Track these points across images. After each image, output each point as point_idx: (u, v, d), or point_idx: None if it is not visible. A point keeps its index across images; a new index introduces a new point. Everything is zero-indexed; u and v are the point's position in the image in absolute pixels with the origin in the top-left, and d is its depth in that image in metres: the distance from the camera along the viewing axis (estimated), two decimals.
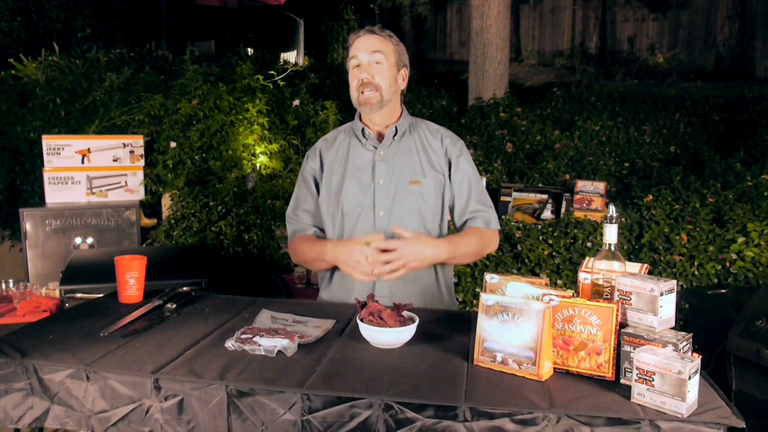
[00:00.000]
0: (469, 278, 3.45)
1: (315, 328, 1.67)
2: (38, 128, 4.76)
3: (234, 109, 4.57)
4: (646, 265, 1.49)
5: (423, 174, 1.92)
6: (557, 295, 1.37)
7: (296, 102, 5.00)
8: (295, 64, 7.97)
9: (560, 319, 1.36)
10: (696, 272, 3.12)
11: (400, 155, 1.92)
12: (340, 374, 1.37)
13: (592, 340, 1.32)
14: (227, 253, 3.94)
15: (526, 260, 3.44)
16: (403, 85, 1.95)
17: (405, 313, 1.61)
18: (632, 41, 10.49)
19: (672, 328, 1.30)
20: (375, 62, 1.86)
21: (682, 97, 6.31)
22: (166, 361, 1.44)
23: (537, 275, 3.43)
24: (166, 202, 4.35)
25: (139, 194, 4.24)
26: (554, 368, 1.36)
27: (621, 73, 9.34)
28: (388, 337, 1.52)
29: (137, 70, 5.31)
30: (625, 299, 1.32)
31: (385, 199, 1.89)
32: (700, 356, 1.22)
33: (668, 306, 1.28)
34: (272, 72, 4.87)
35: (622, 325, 1.32)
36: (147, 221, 4.71)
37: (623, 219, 3.53)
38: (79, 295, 2.91)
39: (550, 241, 3.48)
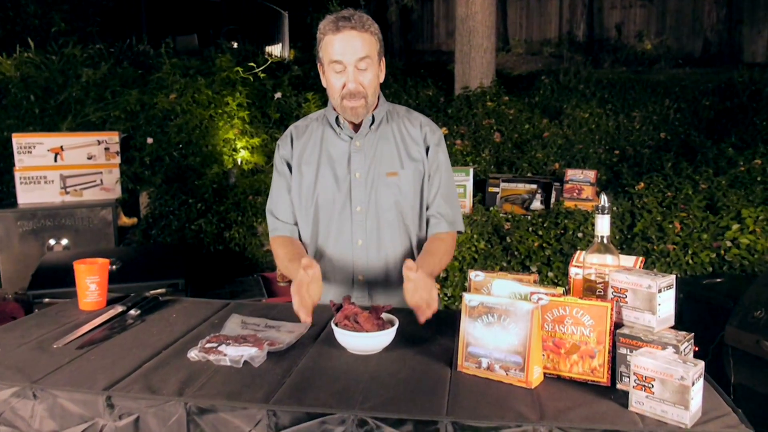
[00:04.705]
0: (457, 273, 3.34)
1: (288, 333, 1.55)
2: (12, 127, 4.60)
3: (213, 103, 4.43)
4: (641, 258, 1.38)
5: (401, 165, 1.78)
6: (546, 294, 1.26)
7: (278, 95, 4.87)
8: (280, 57, 7.81)
9: (550, 319, 1.25)
10: (690, 261, 3.03)
11: (377, 145, 1.78)
12: (311, 386, 1.25)
13: (585, 342, 1.21)
14: (207, 251, 3.81)
15: (516, 253, 3.34)
16: (382, 76, 1.80)
17: (384, 315, 1.49)
18: (620, 28, 10.39)
19: (672, 327, 1.19)
20: (362, 69, 1.68)
21: (671, 83, 6.22)
22: (121, 375, 1.32)
23: (527, 268, 3.33)
24: (144, 200, 4.21)
25: (116, 192, 4.10)
26: (544, 373, 1.25)
27: (609, 61, 9.24)
28: (365, 342, 1.41)
29: (114, 65, 5.15)
30: (620, 297, 1.21)
31: (362, 193, 1.76)
32: (698, 349, 1.13)
33: (667, 303, 1.17)
34: (252, 64, 4.72)
35: (617, 325, 1.21)
36: (127, 220, 4.57)
37: (614, 208, 3.43)
38: (47, 300, 2.78)
39: (540, 233, 3.38)
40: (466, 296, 1.30)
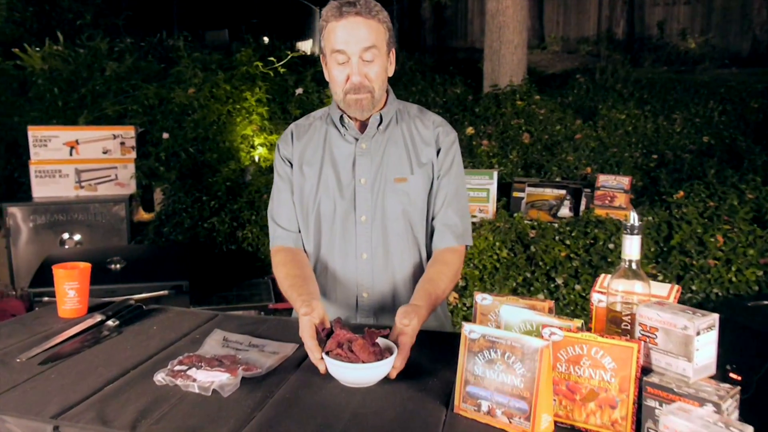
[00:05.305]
0: (477, 282, 3.15)
1: (271, 355, 1.39)
2: (35, 119, 4.59)
3: (231, 98, 4.32)
4: (676, 287, 1.17)
5: (410, 170, 1.60)
6: (561, 328, 1.07)
7: (299, 90, 4.73)
8: (310, 53, 7.70)
9: (564, 359, 1.06)
10: (734, 279, 2.76)
11: (386, 148, 1.61)
12: (283, 423, 1.09)
13: (605, 389, 1.01)
14: (220, 251, 3.70)
15: (541, 263, 3.12)
16: (391, 70, 1.62)
17: (380, 340, 1.31)
18: (662, 26, 9.95)
19: (712, 377, 0.99)
20: (367, 60, 1.51)
21: (716, 83, 5.86)
22: (77, 400, 1.18)
23: (552, 279, 3.11)
24: (158, 196, 4.13)
25: (131, 188, 4.02)
26: (556, 422, 1.05)
27: (650, 60, 8.85)
28: (361, 375, 1.23)
29: (139, 59, 5.10)
30: (648, 336, 1.01)
31: (367, 201, 1.58)
32: (740, 378, 0.92)
33: (707, 348, 0.97)
34: (272, 59, 4.60)
35: (645, 370, 1.01)
36: (146, 216, 4.51)
37: (650, 218, 3.17)
38: (47, 299, 2.70)
39: (568, 242, 3.15)
40: (466, 327, 1.11)
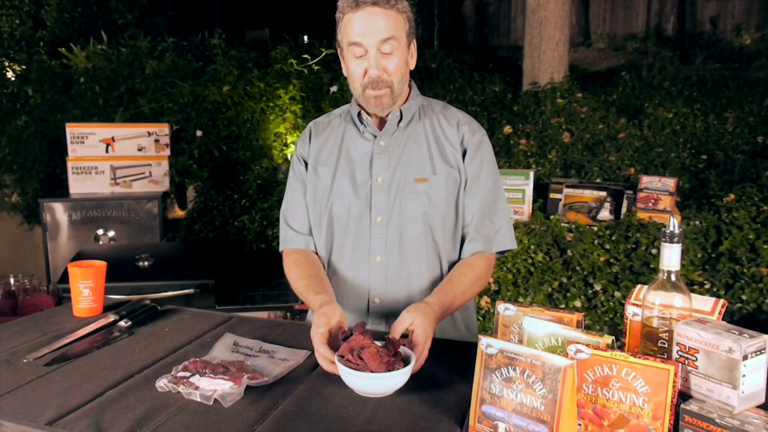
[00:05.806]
0: (510, 287, 3.02)
1: (281, 362, 1.33)
2: (77, 117, 4.68)
3: (265, 96, 4.30)
4: (721, 302, 1.04)
5: (433, 170, 1.50)
6: (588, 345, 0.96)
7: (334, 88, 4.68)
8: None
9: (591, 379, 0.95)
10: None
11: (406, 146, 1.52)
12: None
13: (637, 415, 0.90)
14: (250, 249, 3.68)
15: (578, 268, 2.97)
16: (413, 63, 1.53)
17: (402, 349, 1.23)
18: (715, 22, 9.52)
19: (760, 407, 0.87)
20: (386, 53, 1.43)
21: None
22: (75, 405, 1.14)
23: (590, 285, 2.96)
24: (191, 194, 4.15)
25: (164, 185, 4.05)
26: None
27: (701, 57, 8.46)
28: (367, 384, 1.16)
29: (179, 57, 5.15)
30: (687, 358, 0.89)
31: (384, 201, 1.50)
32: None
33: (755, 375, 0.84)
34: (306, 56, 4.56)
35: (683, 395, 0.90)
36: (180, 213, 4.55)
37: (697, 222, 2.98)
38: None
39: (607, 246, 2.99)
40: (483, 341, 1.02)
